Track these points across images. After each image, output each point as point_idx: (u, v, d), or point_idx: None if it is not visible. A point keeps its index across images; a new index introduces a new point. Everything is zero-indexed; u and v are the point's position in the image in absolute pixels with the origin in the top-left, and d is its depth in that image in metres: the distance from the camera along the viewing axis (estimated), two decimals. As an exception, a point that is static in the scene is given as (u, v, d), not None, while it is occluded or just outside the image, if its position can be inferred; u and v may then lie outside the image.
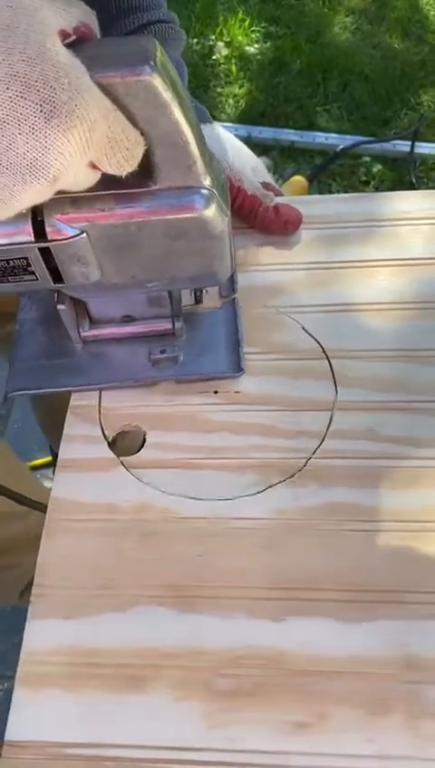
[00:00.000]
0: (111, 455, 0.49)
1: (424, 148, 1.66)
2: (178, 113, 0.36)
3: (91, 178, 0.35)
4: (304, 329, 0.53)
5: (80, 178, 0.34)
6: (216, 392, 0.51)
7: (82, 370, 0.52)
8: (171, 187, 0.39)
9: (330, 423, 0.48)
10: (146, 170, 0.38)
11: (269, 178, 0.58)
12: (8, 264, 0.40)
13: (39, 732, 0.40)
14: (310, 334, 0.53)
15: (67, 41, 0.32)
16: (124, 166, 0.35)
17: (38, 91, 0.29)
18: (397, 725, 0.38)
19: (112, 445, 0.50)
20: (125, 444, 0.51)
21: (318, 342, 0.52)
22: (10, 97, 0.29)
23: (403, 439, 0.47)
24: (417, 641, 0.40)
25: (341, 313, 0.53)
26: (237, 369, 0.51)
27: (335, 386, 0.50)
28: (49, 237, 0.39)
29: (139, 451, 0.49)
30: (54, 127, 0.30)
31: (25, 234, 0.39)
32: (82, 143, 0.31)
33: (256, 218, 0.56)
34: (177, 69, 0.53)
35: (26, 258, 0.40)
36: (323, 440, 0.48)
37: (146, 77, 0.34)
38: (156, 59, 0.34)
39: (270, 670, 0.40)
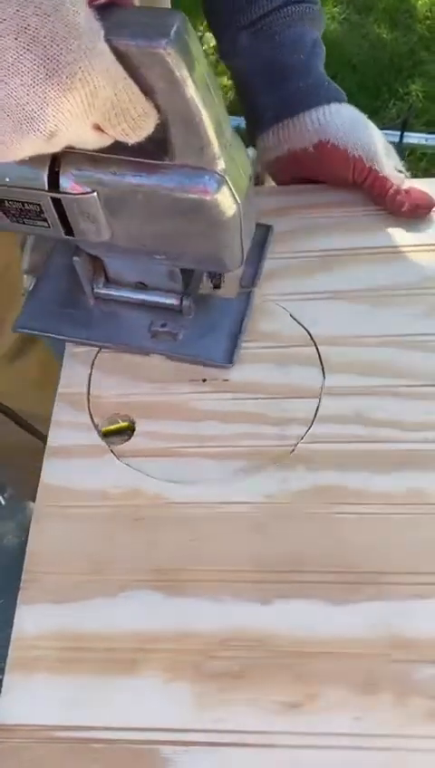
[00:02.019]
0: (101, 442, 0.49)
1: (413, 138, 1.66)
2: (192, 92, 0.35)
3: (100, 141, 0.35)
4: (291, 316, 0.53)
5: (86, 139, 0.34)
6: (204, 380, 0.51)
7: (87, 326, 0.53)
8: (186, 165, 0.39)
9: (317, 409, 0.49)
10: (163, 144, 0.38)
11: (399, 164, 0.57)
12: (23, 206, 0.42)
13: (29, 715, 0.40)
14: (297, 321, 0.53)
15: (97, 3, 0.32)
16: (130, 134, 0.35)
17: (45, 46, 0.30)
18: (385, 704, 0.39)
19: (101, 434, 0.50)
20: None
21: (305, 329, 0.52)
22: (17, 47, 0.30)
23: (390, 423, 0.47)
24: (404, 621, 0.41)
25: (328, 300, 0.53)
26: (229, 360, 0.51)
27: (323, 372, 0.50)
28: (61, 189, 0.40)
29: (128, 440, 0.50)
30: (54, 84, 0.30)
31: (40, 181, 0.40)
32: (84, 105, 0.32)
33: (386, 200, 0.55)
34: (312, 49, 0.54)
35: (39, 205, 0.42)
36: (310, 426, 0.48)
37: (160, 50, 0.33)
38: (175, 34, 0.33)
39: (259, 652, 0.41)
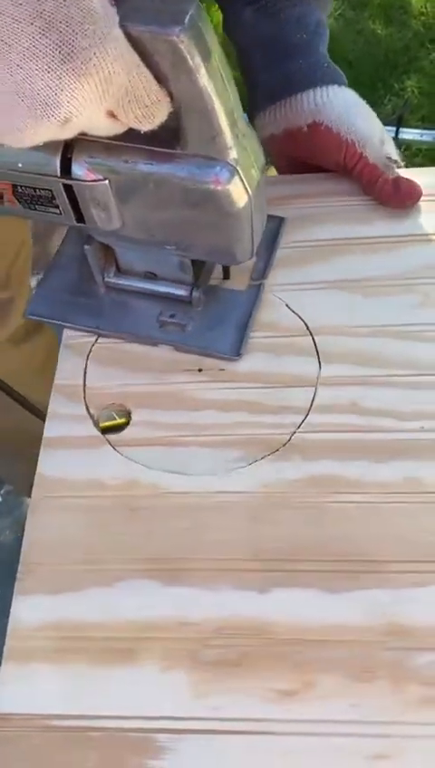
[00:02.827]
0: (97, 433, 0.49)
1: (408, 134, 1.66)
2: (204, 81, 0.35)
3: (114, 128, 0.35)
4: (287, 306, 0.53)
5: (99, 125, 0.35)
6: (200, 370, 0.51)
7: (96, 314, 0.53)
8: (198, 154, 0.39)
9: (314, 398, 0.49)
10: (175, 133, 0.38)
11: (395, 154, 0.57)
12: (35, 191, 0.42)
13: (26, 705, 0.40)
14: (293, 312, 0.53)
15: None
16: (143, 122, 0.35)
17: (60, 32, 0.30)
18: (381, 691, 0.39)
19: (97, 424, 0.50)
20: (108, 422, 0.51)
21: (302, 319, 0.52)
22: (32, 32, 0.30)
23: (387, 412, 0.47)
24: (400, 609, 0.41)
25: (323, 291, 0.53)
26: (236, 353, 0.51)
27: (319, 362, 0.50)
28: (73, 176, 0.41)
29: (124, 429, 0.50)
30: (69, 70, 0.31)
31: (53, 167, 0.40)
32: (98, 91, 0.32)
33: (375, 189, 0.55)
34: (316, 29, 0.54)
35: (51, 191, 0.42)
36: (307, 415, 0.48)
37: (173, 38, 0.33)
38: (189, 22, 0.33)
39: (256, 640, 0.41)
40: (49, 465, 0.48)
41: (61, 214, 0.43)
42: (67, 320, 0.54)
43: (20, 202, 0.44)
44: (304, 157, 0.57)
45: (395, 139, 1.63)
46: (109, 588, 0.43)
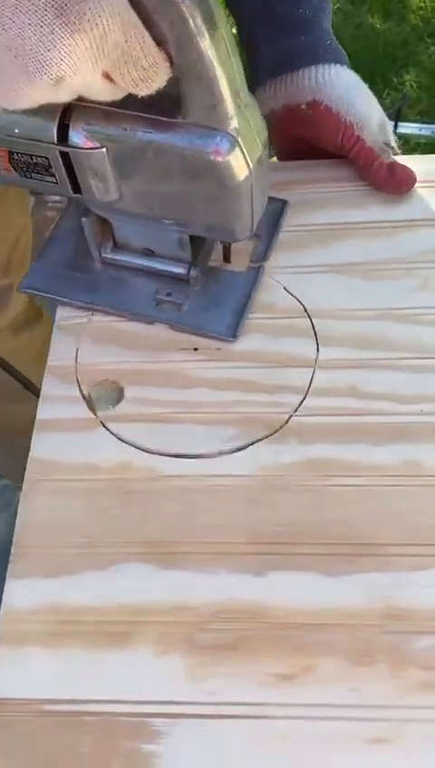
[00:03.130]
0: (90, 414, 0.48)
1: (407, 128, 1.66)
2: (205, 46, 0.34)
3: (111, 91, 0.35)
4: (285, 289, 0.52)
5: (95, 88, 0.34)
6: (196, 349, 0.51)
7: (92, 290, 0.52)
8: (198, 123, 0.38)
9: (311, 380, 0.48)
10: (176, 101, 0.37)
11: (393, 141, 0.56)
12: (32, 159, 0.41)
13: (20, 689, 0.40)
14: (292, 294, 0.52)
15: None
16: (140, 86, 0.34)
17: None
18: (380, 675, 0.38)
19: (89, 401, 0.49)
20: (102, 399, 0.50)
21: (300, 302, 0.52)
22: None
23: (384, 396, 0.47)
24: (399, 593, 0.40)
25: (322, 274, 0.53)
26: (232, 334, 0.50)
27: (317, 344, 0.50)
28: (70, 143, 0.40)
29: (116, 405, 0.49)
30: (63, 25, 0.30)
31: (49, 133, 0.40)
32: (92, 49, 0.31)
33: (370, 172, 0.55)
34: (318, 4, 0.53)
35: (47, 158, 0.41)
36: (304, 397, 0.47)
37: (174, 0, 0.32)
38: None
39: (252, 624, 0.40)
40: (42, 447, 0.47)
41: (57, 183, 0.43)
42: (61, 294, 0.53)
43: (16, 170, 0.43)
44: (303, 134, 0.56)
45: (394, 133, 1.63)
46: (103, 571, 0.43)
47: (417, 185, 0.55)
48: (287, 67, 0.54)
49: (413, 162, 0.56)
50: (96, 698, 0.39)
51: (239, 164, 0.40)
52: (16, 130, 0.40)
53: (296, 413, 0.47)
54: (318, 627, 0.40)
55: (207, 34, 0.34)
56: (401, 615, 0.40)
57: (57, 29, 0.30)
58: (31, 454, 0.47)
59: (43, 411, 0.49)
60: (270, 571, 0.42)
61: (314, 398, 0.47)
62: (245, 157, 0.40)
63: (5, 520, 1.17)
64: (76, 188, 0.43)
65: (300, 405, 0.47)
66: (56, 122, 0.39)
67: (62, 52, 0.30)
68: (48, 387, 0.50)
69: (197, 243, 0.49)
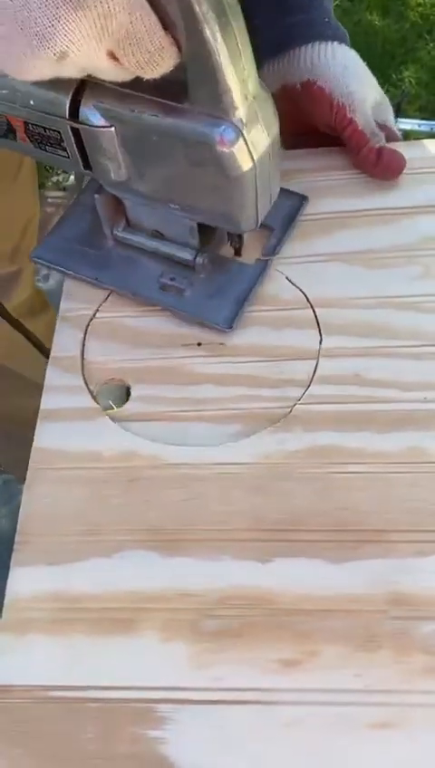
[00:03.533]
0: (95, 405, 0.48)
1: (406, 124, 1.66)
2: (212, 33, 0.34)
3: (117, 72, 0.35)
4: (287, 279, 0.52)
5: (100, 67, 0.34)
6: (199, 344, 0.51)
7: (100, 267, 0.53)
8: (202, 111, 0.38)
9: (315, 370, 0.48)
10: (184, 87, 0.37)
11: (392, 122, 0.56)
12: (45, 131, 0.42)
13: (25, 676, 0.40)
14: (294, 284, 0.52)
15: None
16: (145, 68, 0.34)
17: None
18: (385, 660, 0.38)
19: (96, 399, 0.49)
20: (109, 398, 0.50)
21: (302, 292, 0.52)
22: None
23: (388, 383, 0.47)
24: (403, 579, 0.40)
25: (324, 263, 0.53)
26: (228, 325, 0.50)
27: (320, 334, 0.50)
28: (80, 119, 0.40)
29: (123, 405, 0.49)
30: (67, 1, 0.30)
31: (62, 107, 0.40)
32: (96, 28, 0.31)
33: (359, 156, 0.54)
34: None
35: (59, 132, 0.42)
36: (308, 387, 0.47)
37: None
38: None
39: (257, 610, 0.40)
40: (46, 437, 0.47)
41: (69, 158, 0.43)
42: (70, 268, 0.53)
43: (31, 141, 0.44)
44: (299, 115, 0.55)
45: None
46: (107, 558, 0.43)
47: (419, 171, 0.55)
48: (285, 46, 0.53)
49: (415, 148, 0.56)
50: (101, 685, 0.39)
51: (243, 155, 0.40)
52: (32, 102, 0.41)
53: (300, 401, 0.47)
54: (322, 613, 0.40)
55: (214, 22, 0.34)
56: (406, 601, 0.40)
57: (62, 5, 0.30)
58: (34, 443, 0.47)
59: (47, 401, 0.49)
60: (275, 557, 0.42)
61: (319, 385, 0.47)
62: (249, 149, 0.40)
63: (7, 514, 1.18)
64: (87, 165, 0.43)
65: (304, 394, 0.47)
66: (69, 97, 0.40)
67: (66, 28, 0.30)
68: (52, 377, 0.50)
69: (207, 230, 0.49)
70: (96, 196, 0.49)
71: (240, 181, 0.41)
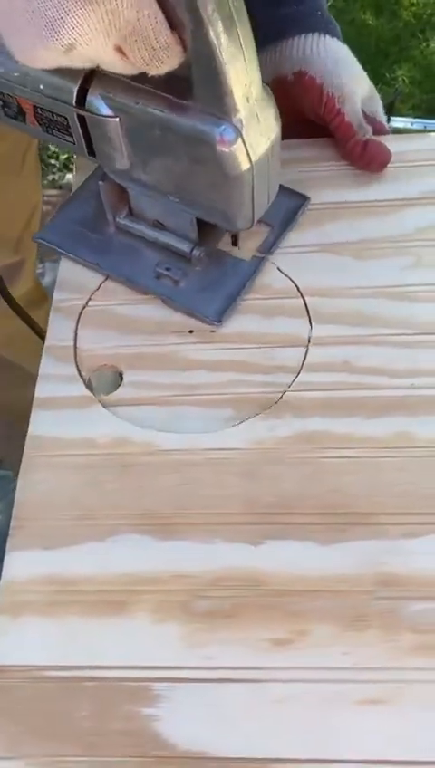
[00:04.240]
0: (88, 393, 0.49)
1: (399, 123, 1.67)
2: (216, 34, 0.35)
3: (124, 66, 0.36)
4: (278, 269, 0.53)
5: (107, 60, 0.35)
6: (191, 332, 0.51)
7: (100, 252, 0.54)
8: (205, 110, 0.39)
9: (305, 357, 0.49)
10: (187, 84, 0.38)
11: (381, 114, 0.57)
12: (53, 116, 0.44)
13: (20, 656, 0.40)
14: (284, 274, 0.53)
15: None
16: (150, 65, 0.35)
17: None
18: (374, 639, 0.39)
19: (89, 385, 0.50)
20: (102, 384, 0.51)
21: (293, 282, 0.52)
22: None
23: (377, 371, 0.48)
24: (391, 560, 0.41)
25: (316, 254, 0.54)
26: (217, 318, 0.51)
27: (310, 322, 0.50)
28: (86, 107, 0.42)
29: (115, 390, 0.50)
30: None
31: (69, 95, 0.42)
32: (103, 22, 0.32)
33: (346, 147, 0.55)
34: None
35: (66, 118, 0.43)
36: (298, 374, 0.48)
37: None
38: None
39: (249, 591, 0.41)
40: (40, 424, 0.48)
41: (75, 144, 0.44)
42: (71, 251, 0.54)
43: (40, 124, 0.45)
44: (290, 105, 0.56)
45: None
46: (102, 543, 0.43)
47: (411, 164, 0.56)
48: (278, 37, 0.54)
49: (406, 141, 0.57)
50: (96, 664, 0.40)
51: (241, 156, 0.40)
52: (41, 87, 0.42)
53: (291, 388, 0.48)
54: (313, 593, 0.41)
55: (219, 24, 0.35)
56: (394, 581, 0.41)
57: None
58: (29, 431, 0.48)
59: (42, 390, 0.50)
60: (266, 540, 0.42)
61: (309, 373, 0.48)
62: (247, 150, 0.40)
63: (3, 509, 1.18)
64: (91, 151, 0.45)
65: (294, 380, 0.48)
66: (77, 85, 0.41)
67: (74, 22, 0.32)
68: (46, 366, 0.51)
69: (207, 224, 0.50)
70: (100, 182, 0.50)
71: (237, 181, 0.42)
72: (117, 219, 0.53)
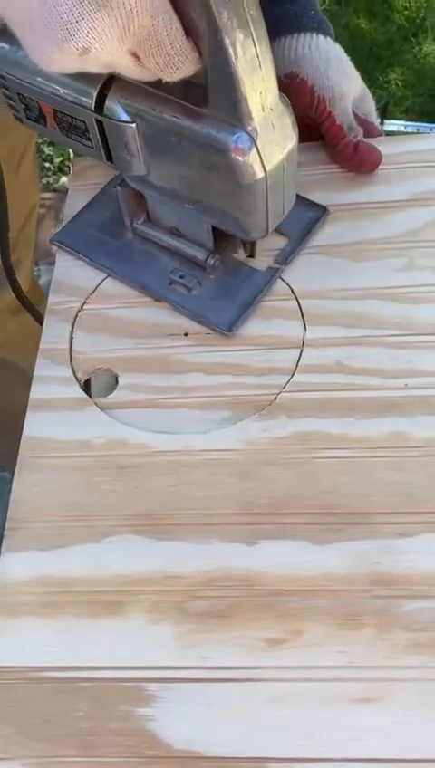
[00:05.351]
0: (84, 395, 0.49)
1: (393, 126, 1.67)
2: (231, 42, 0.35)
3: (139, 71, 0.36)
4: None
5: (123, 65, 0.35)
6: (186, 334, 0.52)
7: (116, 258, 0.54)
8: (220, 117, 0.39)
9: (299, 359, 0.49)
10: (203, 91, 0.38)
11: (373, 116, 0.57)
12: (72, 120, 0.44)
13: (17, 657, 0.40)
14: (280, 277, 0.53)
15: None
16: (165, 71, 0.35)
17: None
18: (369, 638, 0.39)
19: (85, 387, 0.50)
20: (98, 387, 0.51)
21: (286, 283, 0.53)
22: None
23: (370, 371, 0.48)
24: (385, 559, 0.41)
25: (309, 256, 0.54)
26: (228, 327, 0.50)
27: (304, 324, 0.51)
28: (105, 113, 0.42)
29: (111, 393, 0.50)
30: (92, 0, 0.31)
31: (88, 99, 0.42)
32: (118, 27, 0.32)
33: (336, 149, 0.55)
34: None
35: (85, 123, 0.44)
36: (292, 375, 0.48)
37: None
38: None
39: (244, 591, 0.41)
40: (35, 426, 0.48)
41: (93, 148, 0.45)
42: (87, 254, 0.55)
43: (60, 128, 0.46)
44: None
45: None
46: (97, 544, 0.43)
47: (404, 165, 0.57)
48: (270, 36, 0.54)
49: (400, 143, 0.57)
50: (91, 665, 0.40)
51: (255, 165, 0.41)
52: (61, 91, 0.43)
53: (285, 389, 0.48)
54: (307, 593, 0.41)
55: (234, 32, 0.35)
56: (388, 580, 0.41)
57: (86, 2, 0.31)
58: (24, 432, 0.48)
59: (37, 391, 0.50)
60: (261, 540, 0.43)
61: (303, 374, 0.48)
62: (262, 159, 0.40)
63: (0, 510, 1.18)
64: (109, 157, 0.45)
65: (288, 382, 0.48)
66: (96, 90, 0.42)
67: (89, 26, 0.32)
68: (41, 369, 0.51)
69: (223, 233, 0.49)
70: (118, 188, 0.51)
71: (251, 189, 0.42)
72: (134, 225, 0.54)
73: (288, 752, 0.37)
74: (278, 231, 0.52)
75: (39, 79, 0.44)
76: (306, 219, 0.54)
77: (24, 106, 0.47)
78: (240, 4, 0.34)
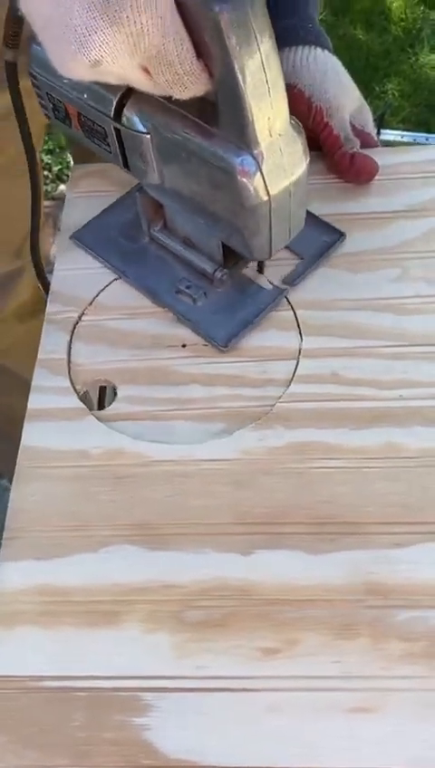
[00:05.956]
0: (81, 405, 0.50)
1: (389, 135, 1.69)
2: (240, 66, 0.35)
3: (151, 86, 0.37)
4: (269, 281, 0.54)
5: (134, 79, 0.36)
6: (184, 346, 0.52)
7: (129, 261, 0.55)
8: (228, 138, 0.40)
9: (295, 370, 0.49)
10: (214, 111, 0.39)
11: (370, 127, 0.58)
12: (93, 125, 0.46)
13: (14, 666, 0.41)
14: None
15: None
16: (174, 89, 0.36)
17: None
18: (363, 647, 0.40)
19: (85, 399, 0.50)
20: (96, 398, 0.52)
21: (284, 295, 0.53)
22: None
23: (366, 382, 0.48)
24: (380, 569, 0.42)
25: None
26: (225, 343, 0.51)
27: (300, 335, 0.51)
28: (122, 121, 0.43)
29: (109, 405, 0.50)
30: (104, 15, 0.32)
31: (108, 107, 0.44)
32: (128, 43, 0.33)
33: (334, 160, 0.56)
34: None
35: (105, 129, 0.45)
36: (288, 386, 0.49)
37: (214, 12, 0.33)
38: (236, 1, 0.33)
39: (239, 601, 0.41)
40: (33, 436, 0.48)
41: (111, 153, 0.46)
42: (101, 254, 0.55)
43: (83, 130, 0.47)
44: None
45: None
46: (94, 553, 0.44)
47: (400, 176, 0.57)
48: None
49: (396, 154, 0.58)
50: (87, 674, 0.40)
51: (259, 188, 0.41)
52: (85, 96, 0.44)
53: (281, 400, 0.48)
54: (302, 603, 0.41)
55: (244, 58, 0.35)
56: (383, 590, 0.41)
57: (99, 17, 0.32)
58: (22, 442, 0.48)
59: (34, 401, 0.50)
60: (256, 550, 0.43)
61: (299, 384, 0.49)
62: (266, 183, 0.41)
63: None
64: (126, 163, 0.46)
65: (284, 392, 0.49)
66: (115, 99, 0.43)
67: (101, 39, 0.33)
68: (39, 379, 0.51)
69: (231, 248, 0.49)
70: (137, 194, 0.51)
71: (254, 212, 0.42)
72: (151, 231, 0.54)
73: (284, 761, 0.37)
74: (292, 251, 0.53)
75: (66, 81, 0.45)
76: (321, 242, 0.54)
77: (52, 105, 0.48)
78: (251, 31, 0.35)
